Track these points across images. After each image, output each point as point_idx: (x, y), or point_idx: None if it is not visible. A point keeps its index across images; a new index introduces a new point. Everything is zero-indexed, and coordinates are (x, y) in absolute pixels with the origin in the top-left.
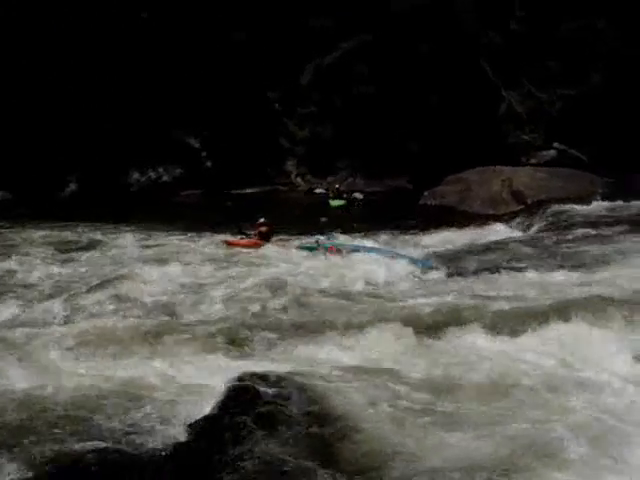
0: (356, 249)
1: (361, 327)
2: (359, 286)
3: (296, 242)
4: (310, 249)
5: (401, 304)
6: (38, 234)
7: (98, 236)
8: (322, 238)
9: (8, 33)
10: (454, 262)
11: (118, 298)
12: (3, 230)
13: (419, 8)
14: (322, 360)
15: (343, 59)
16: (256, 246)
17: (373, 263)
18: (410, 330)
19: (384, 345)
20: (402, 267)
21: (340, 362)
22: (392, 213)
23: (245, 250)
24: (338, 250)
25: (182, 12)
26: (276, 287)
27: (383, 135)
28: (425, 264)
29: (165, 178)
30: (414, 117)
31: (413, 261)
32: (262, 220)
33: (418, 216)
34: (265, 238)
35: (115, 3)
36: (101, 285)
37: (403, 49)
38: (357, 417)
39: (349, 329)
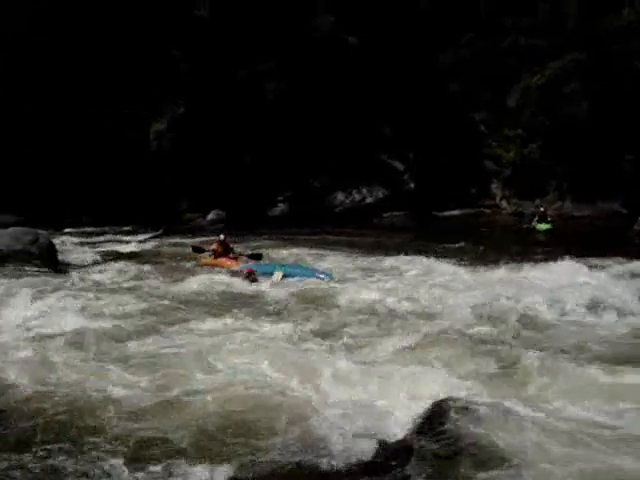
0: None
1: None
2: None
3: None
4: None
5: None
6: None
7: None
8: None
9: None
10: None
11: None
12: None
13: (634, 25)
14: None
15: (552, 79)
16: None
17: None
18: None
19: None
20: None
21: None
22: (601, 238)
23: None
24: (250, 273)
25: (388, 36)
26: (487, 310)
27: (595, 156)
28: (329, 276)
29: (369, 199)
30: (629, 137)
31: (318, 276)
32: (221, 237)
33: (630, 242)
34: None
35: (323, 34)
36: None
37: (616, 67)
38: None
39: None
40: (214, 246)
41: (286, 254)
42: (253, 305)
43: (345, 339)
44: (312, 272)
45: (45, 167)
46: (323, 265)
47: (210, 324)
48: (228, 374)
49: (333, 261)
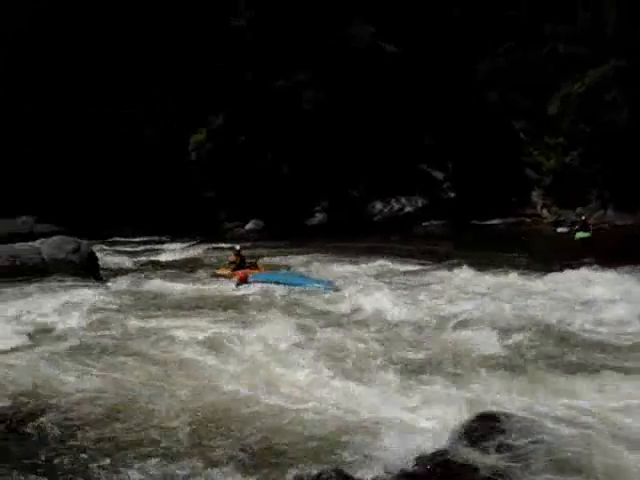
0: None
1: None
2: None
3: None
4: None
5: None
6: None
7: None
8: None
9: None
10: None
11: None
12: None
13: None
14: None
15: (593, 86)
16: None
17: None
18: None
19: None
20: None
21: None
22: None
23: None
24: (244, 279)
25: (426, 45)
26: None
27: (636, 163)
28: (327, 287)
29: (408, 209)
30: None
31: (318, 286)
32: (237, 248)
33: None
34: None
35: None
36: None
37: None
38: None
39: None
40: (232, 257)
41: (303, 261)
42: (248, 311)
43: (362, 347)
44: (312, 282)
45: (88, 178)
46: (343, 273)
47: (206, 329)
48: (226, 381)
49: (355, 270)
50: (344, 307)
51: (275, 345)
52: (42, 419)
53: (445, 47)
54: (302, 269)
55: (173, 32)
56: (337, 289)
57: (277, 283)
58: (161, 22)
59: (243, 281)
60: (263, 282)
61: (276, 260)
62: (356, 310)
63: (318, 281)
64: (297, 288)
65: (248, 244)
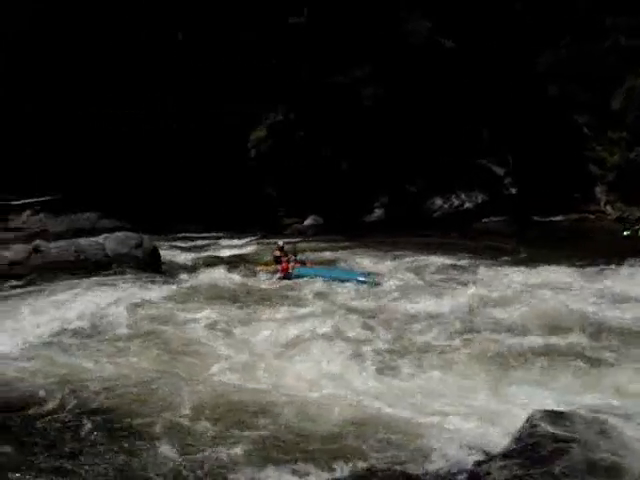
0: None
1: None
2: None
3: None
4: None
5: None
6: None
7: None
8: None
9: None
10: None
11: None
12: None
13: None
14: None
15: None
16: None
17: None
18: None
19: None
20: None
21: None
22: None
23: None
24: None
25: (485, 39)
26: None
27: None
28: (366, 282)
29: (467, 205)
30: None
31: (358, 279)
32: (280, 243)
33: None
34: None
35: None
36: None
37: None
38: None
39: None
40: (276, 253)
41: (354, 256)
42: (281, 305)
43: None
44: (353, 275)
45: (154, 176)
46: (390, 268)
47: (241, 322)
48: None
49: (404, 265)
50: (376, 303)
51: (300, 338)
52: (68, 409)
53: (505, 41)
54: (350, 264)
55: (235, 28)
56: (377, 283)
57: (318, 277)
58: (223, 19)
59: (285, 275)
60: (305, 276)
61: (326, 255)
62: (386, 305)
63: (359, 275)
64: (336, 282)
65: (297, 239)
